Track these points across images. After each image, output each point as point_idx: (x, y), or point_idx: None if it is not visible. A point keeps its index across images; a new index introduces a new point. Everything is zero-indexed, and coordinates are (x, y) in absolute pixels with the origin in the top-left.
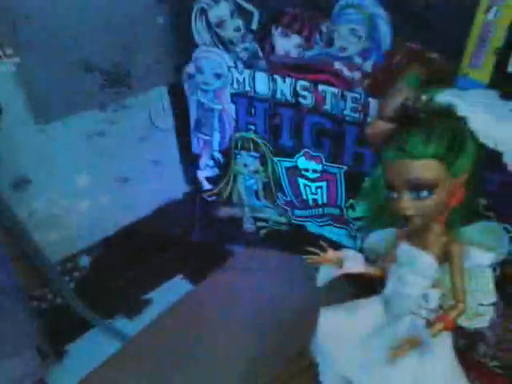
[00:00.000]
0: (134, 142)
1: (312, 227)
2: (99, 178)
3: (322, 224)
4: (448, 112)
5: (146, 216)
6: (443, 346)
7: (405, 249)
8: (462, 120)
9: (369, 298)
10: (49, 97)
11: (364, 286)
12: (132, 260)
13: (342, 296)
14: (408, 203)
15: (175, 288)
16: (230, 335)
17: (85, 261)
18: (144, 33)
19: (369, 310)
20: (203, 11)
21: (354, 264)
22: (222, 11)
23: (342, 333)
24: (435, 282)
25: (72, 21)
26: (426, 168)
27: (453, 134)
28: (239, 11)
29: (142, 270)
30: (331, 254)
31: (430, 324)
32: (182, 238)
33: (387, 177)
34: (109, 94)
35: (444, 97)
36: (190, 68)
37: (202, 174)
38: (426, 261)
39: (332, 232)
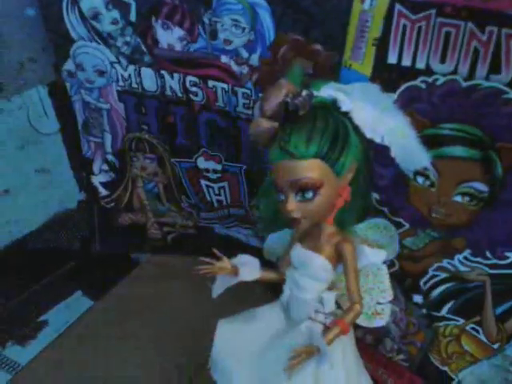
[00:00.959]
0: (12, 150)
1: (219, 229)
2: None
3: (228, 225)
4: (331, 108)
5: (35, 230)
6: (343, 349)
7: (298, 251)
8: (346, 115)
9: (268, 305)
10: None
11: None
12: (23, 279)
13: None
14: (294, 205)
15: (74, 306)
16: (138, 350)
17: None
18: (13, 28)
19: (268, 318)
20: (75, 2)
21: (249, 272)
22: (95, 2)
23: (240, 346)
24: (331, 285)
25: None
26: (309, 168)
27: (335, 130)
28: (114, 2)
29: (34, 290)
30: (225, 262)
31: (326, 329)
32: (81, 251)
33: (273, 178)
34: None
35: (326, 91)
36: (70, 65)
37: (96, 180)
38: (319, 263)
39: (240, 233)
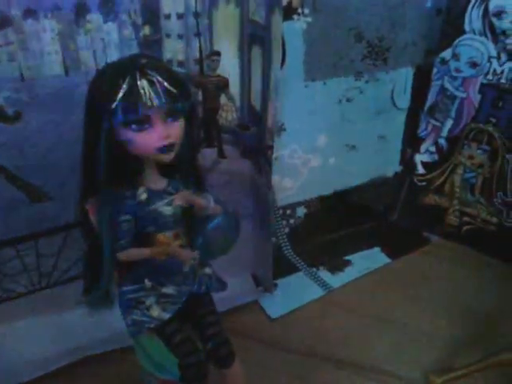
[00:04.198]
0: (371, 114)
1: None
2: (334, 141)
3: None
4: None
5: (358, 185)
6: None
7: None
8: None
9: None
10: (320, 58)
11: None
12: (340, 221)
13: None
14: None
15: (373, 257)
16: (426, 312)
17: (301, 212)
18: (411, 14)
19: None
20: (483, 1)
21: None
22: (504, 1)
23: None
24: None
25: None
26: None
27: None
28: None
29: (345, 233)
30: None
31: None
32: (383, 214)
33: None
34: (367, 65)
35: None
36: (447, 54)
37: (419, 158)
38: None
39: None
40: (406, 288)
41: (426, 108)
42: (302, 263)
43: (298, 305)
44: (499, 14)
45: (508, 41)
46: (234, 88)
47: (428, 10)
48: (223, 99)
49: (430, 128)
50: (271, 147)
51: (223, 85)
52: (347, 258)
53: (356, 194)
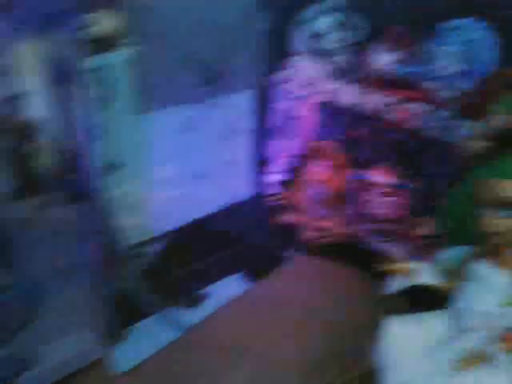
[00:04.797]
0: (215, 140)
1: (374, 242)
2: (180, 171)
3: (385, 240)
4: None
5: (214, 213)
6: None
7: (481, 266)
8: None
9: (433, 312)
10: (155, 87)
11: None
12: (196, 253)
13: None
14: (498, 220)
15: (233, 285)
16: (280, 335)
17: (155, 248)
18: (244, 37)
19: (433, 323)
20: (307, 21)
21: (428, 276)
22: (326, 23)
23: (407, 344)
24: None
25: (185, 17)
26: None
27: None
28: (344, 24)
29: (201, 265)
30: (406, 264)
31: (502, 340)
32: (244, 239)
33: (481, 194)
34: (205, 91)
35: None
36: (280, 76)
37: (271, 179)
38: (502, 279)
39: (392, 247)
40: (266, 313)
41: (270, 129)
42: (157, 305)
43: (151, 351)
44: (322, 35)
45: (335, 60)
46: (47, 131)
47: (260, 33)
48: (39, 143)
49: (277, 149)
50: (100, 189)
51: (28, 128)
52: (207, 290)
53: (212, 222)
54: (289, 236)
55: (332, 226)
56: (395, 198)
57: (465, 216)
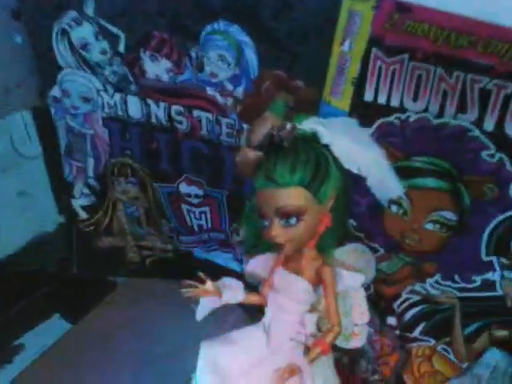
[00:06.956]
0: None
1: (199, 253)
2: None
3: (208, 249)
4: (312, 140)
5: (14, 253)
6: (323, 368)
7: (281, 274)
8: (326, 147)
9: (251, 327)
10: None
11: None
12: (5, 300)
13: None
14: (278, 230)
15: (52, 329)
16: (116, 374)
17: None
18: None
19: (251, 339)
20: (65, 32)
21: (233, 295)
22: (85, 33)
23: (224, 365)
24: (312, 307)
25: None
26: (293, 195)
27: (317, 161)
28: (104, 33)
29: (11, 313)
30: (209, 285)
31: (307, 349)
32: (59, 274)
33: (258, 205)
34: None
35: (308, 125)
36: (56, 91)
37: (77, 203)
38: (301, 286)
39: (219, 257)
40: (83, 355)
41: (62, 150)
42: None
43: None
44: (84, 46)
45: (106, 72)
46: None
47: (21, 48)
48: None
49: (74, 170)
50: None
51: None
52: (19, 341)
53: (17, 262)
54: (112, 261)
55: (152, 243)
56: (206, 208)
57: (258, 225)
